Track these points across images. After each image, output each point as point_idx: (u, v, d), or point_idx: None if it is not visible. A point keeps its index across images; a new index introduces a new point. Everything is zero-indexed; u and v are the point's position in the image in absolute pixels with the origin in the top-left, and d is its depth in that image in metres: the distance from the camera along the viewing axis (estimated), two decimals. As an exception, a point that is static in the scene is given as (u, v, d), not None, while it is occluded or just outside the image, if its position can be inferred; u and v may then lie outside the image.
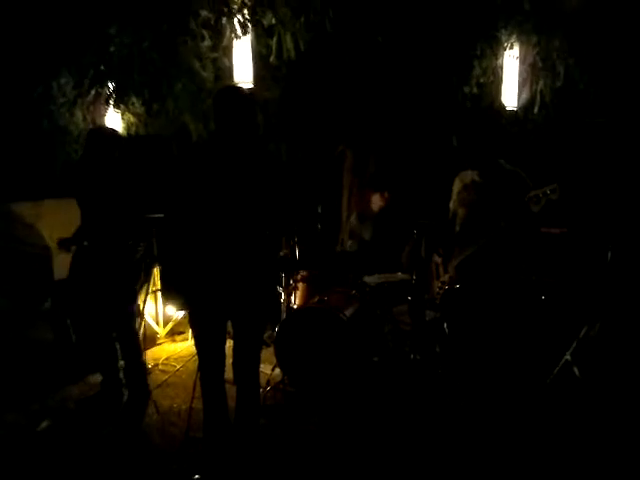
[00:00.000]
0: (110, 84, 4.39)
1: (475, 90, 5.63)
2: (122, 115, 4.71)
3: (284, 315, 4.30)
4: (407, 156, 5.80)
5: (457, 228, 3.87)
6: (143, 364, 3.87)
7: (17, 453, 3.20)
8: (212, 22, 4.45)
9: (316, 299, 4.15)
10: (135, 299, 3.84)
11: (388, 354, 4.33)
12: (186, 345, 4.85)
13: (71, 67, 4.37)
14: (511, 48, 5.58)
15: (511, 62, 5.61)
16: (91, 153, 3.54)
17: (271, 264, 2.96)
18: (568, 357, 3.83)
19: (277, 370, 4.03)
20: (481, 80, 5.66)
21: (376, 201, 5.05)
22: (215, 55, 4.65)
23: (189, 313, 2.93)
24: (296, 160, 5.58)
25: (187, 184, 2.78)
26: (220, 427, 2.90)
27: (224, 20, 4.43)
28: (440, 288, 3.90)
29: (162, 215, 3.07)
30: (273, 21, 4.51)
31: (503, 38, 5.55)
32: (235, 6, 4.40)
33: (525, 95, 5.81)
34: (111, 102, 4.44)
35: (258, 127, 2.86)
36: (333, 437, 3.35)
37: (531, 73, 5.77)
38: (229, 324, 2.93)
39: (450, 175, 4.00)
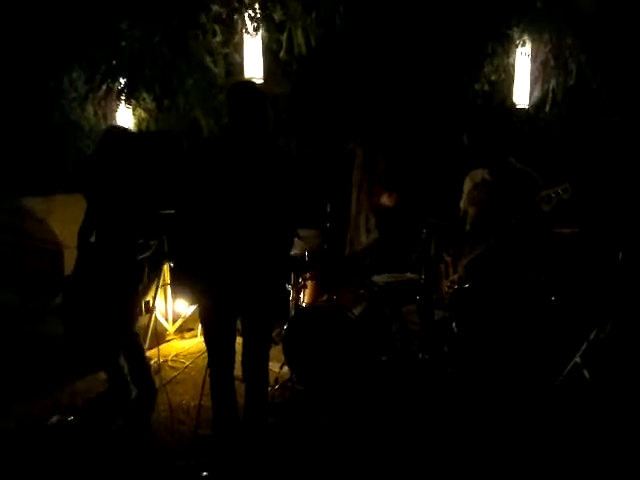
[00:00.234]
0: (121, 79, 4.39)
1: (486, 88, 5.61)
2: (133, 110, 4.71)
3: (293, 313, 4.30)
4: (417, 154, 5.78)
5: (467, 227, 3.85)
6: (146, 363, 3.85)
7: (27, 446, 3.22)
8: (224, 17, 4.45)
9: (325, 297, 4.14)
10: (135, 299, 3.81)
11: (396, 353, 4.32)
12: (195, 342, 4.86)
13: (82, 62, 4.38)
14: (523, 46, 5.55)
15: (523, 60, 5.58)
16: (104, 152, 3.54)
17: (281, 262, 2.96)
18: (578, 359, 3.80)
19: (285, 368, 4.03)
20: (492, 78, 5.64)
21: (385, 200, 5.04)
22: (226, 50, 4.65)
23: (200, 310, 2.94)
24: (306, 156, 5.57)
25: (199, 180, 2.78)
26: (229, 425, 2.91)
27: (235, 15, 4.43)
28: (449, 287, 3.88)
29: (173, 211, 3.07)
30: (283, 15, 4.51)
31: (515, 36, 5.52)
32: (246, 1, 4.39)
33: (537, 93, 5.78)
34: (122, 97, 4.44)
35: (269, 123, 2.86)
36: (341, 435, 3.35)
37: (543, 71, 5.74)
38: (239, 322, 2.94)
39: (460, 173, 3.98)
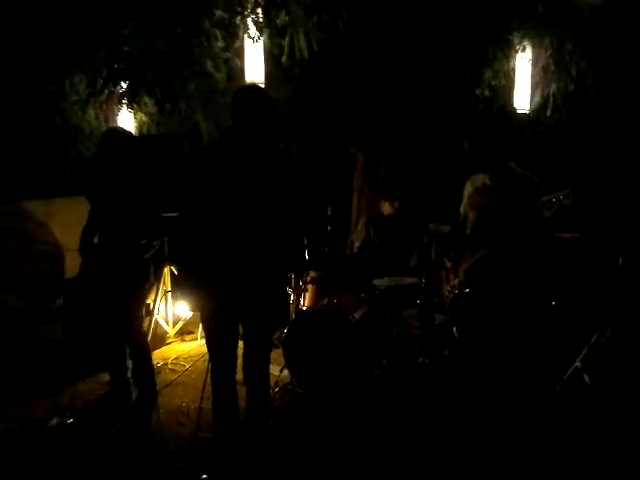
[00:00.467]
0: (123, 83, 4.41)
1: (487, 93, 5.60)
2: (134, 114, 4.72)
3: (293, 316, 4.30)
4: (418, 158, 5.79)
5: (468, 232, 3.86)
6: (151, 364, 3.87)
7: (27, 448, 3.22)
8: (226, 22, 4.46)
9: (325, 301, 4.14)
10: (143, 298, 3.83)
11: (397, 357, 4.32)
12: (195, 345, 4.85)
13: (84, 66, 4.39)
14: (523, 51, 5.56)
15: (523, 65, 5.60)
16: (105, 153, 3.55)
17: (282, 265, 2.96)
18: (578, 364, 3.80)
19: (285, 371, 4.03)
20: (493, 83, 5.64)
21: (386, 209, 5.05)
22: (227, 55, 4.66)
23: (202, 314, 2.94)
24: (307, 161, 5.58)
25: (202, 184, 2.78)
26: (229, 428, 2.91)
27: (238, 20, 4.44)
28: (450, 292, 3.89)
29: (174, 214, 3.08)
30: (286, 19, 4.52)
31: (515, 41, 5.53)
32: (249, 5, 4.40)
33: (537, 98, 5.79)
34: (124, 101, 4.45)
35: (272, 127, 2.87)
36: (341, 439, 3.35)
37: (543, 76, 5.75)
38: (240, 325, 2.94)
39: (461, 178, 3.98)
